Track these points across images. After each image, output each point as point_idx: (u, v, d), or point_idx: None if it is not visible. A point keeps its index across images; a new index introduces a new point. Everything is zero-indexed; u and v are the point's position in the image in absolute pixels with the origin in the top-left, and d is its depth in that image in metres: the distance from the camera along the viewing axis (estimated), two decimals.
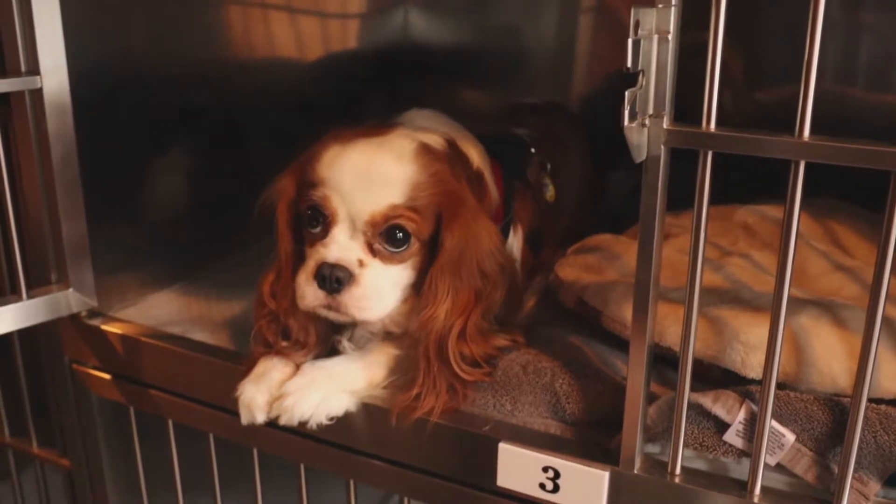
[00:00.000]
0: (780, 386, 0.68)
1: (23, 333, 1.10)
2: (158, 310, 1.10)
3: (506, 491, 0.76)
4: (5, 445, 1.19)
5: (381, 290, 0.80)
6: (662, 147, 0.61)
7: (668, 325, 0.73)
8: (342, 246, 0.79)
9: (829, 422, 0.64)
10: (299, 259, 0.83)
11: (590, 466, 0.71)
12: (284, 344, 0.85)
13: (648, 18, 0.56)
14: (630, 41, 0.54)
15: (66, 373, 1.06)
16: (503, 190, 0.92)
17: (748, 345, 0.69)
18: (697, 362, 0.71)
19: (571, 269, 0.86)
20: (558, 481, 0.73)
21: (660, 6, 0.57)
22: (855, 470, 0.64)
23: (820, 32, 0.55)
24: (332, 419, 0.81)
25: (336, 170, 0.79)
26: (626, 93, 0.55)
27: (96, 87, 0.98)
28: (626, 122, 0.56)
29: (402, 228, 0.79)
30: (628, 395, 0.68)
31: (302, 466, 0.93)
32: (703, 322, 0.71)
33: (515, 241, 0.93)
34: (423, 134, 0.84)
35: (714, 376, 0.72)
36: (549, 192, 0.99)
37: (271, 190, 0.85)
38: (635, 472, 0.70)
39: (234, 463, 1.00)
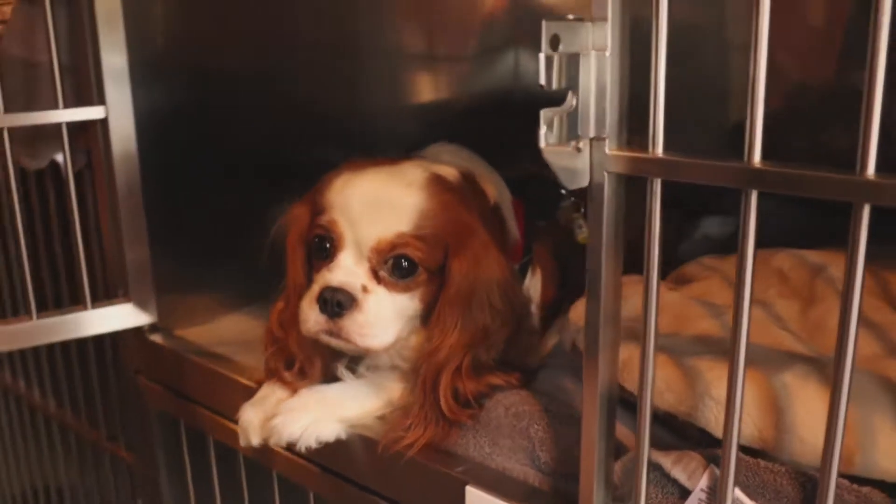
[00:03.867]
0: (756, 453, 0.59)
1: (100, 342, 1.21)
2: (225, 331, 1.15)
3: None
4: (83, 437, 1.31)
5: (384, 318, 0.78)
6: (606, 174, 0.56)
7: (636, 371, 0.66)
8: (347, 271, 0.78)
9: (799, 499, 0.55)
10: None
11: None
12: (287, 374, 0.85)
13: (578, 34, 0.52)
14: (542, 56, 0.50)
15: (129, 380, 1.13)
16: (524, 229, 0.89)
17: (720, 401, 0.60)
18: (672, 418, 0.64)
19: (579, 310, 0.81)
20: None
21: (594, 21, 0.53)
22: None
23: (766, 48, 0.48)
24: (321, 443, 0.80)
25: (345, 195, 0.79)
26: (542, 112, 0.51)
27: (161, 118, 1.05)
28: (542, 144, 0.52)
29: (408, 258, 0.78)
30: (583, 446, 0.62)
31: (311, 494, 0.92)
32: (677, 373, 0.64)
33: (534, 283, 0.89)
34: (437, 166, 0.83)
35: (693, 435, 0.64)
36: (583, 233, 0.94)
37: (284, 219, 0.86)
38: None
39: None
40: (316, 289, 0.79)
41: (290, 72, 1.21)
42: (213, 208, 1.16)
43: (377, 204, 0.78)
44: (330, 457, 0.84)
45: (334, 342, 0.80)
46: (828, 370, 0.60)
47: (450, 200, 0.79)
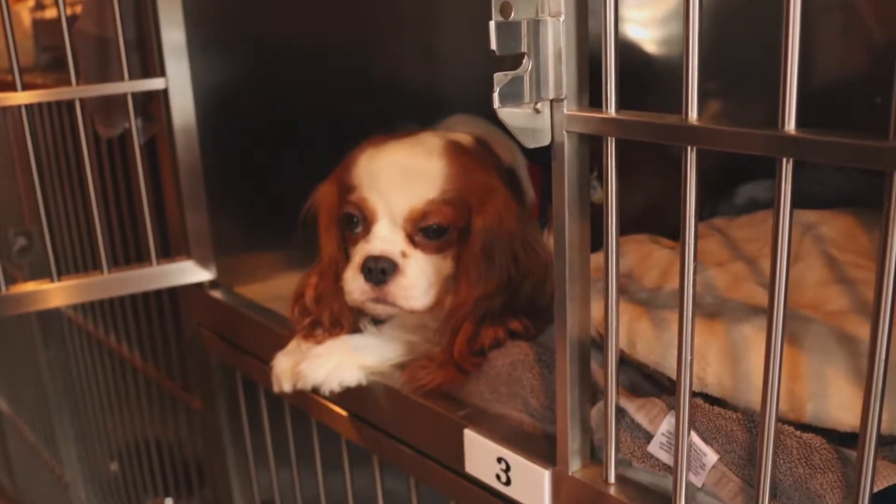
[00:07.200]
0: (714, 401, 0.61)
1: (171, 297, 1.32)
2: (281, 287, 1.22)
3: (473, 478, 0.77)
4: (162, 388, 1.44)
5: (424, 279, 0.83)
6: (566, 133, 0.59)
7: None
8: (385, 240, 0.83)
9: (749, 445, 0.57)
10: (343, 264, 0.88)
11: (533, 462, 0.70)
12: (319, 333, 0.91)
13: (530, 2, 0.56)
14: (492, 24, 0.54)
15: (194, 332, 1.24)
16: (540, 191, 0.92)
17: None
18: (644, 367, 0.67)
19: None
20: (510, 474, 0.72)
21: None
22: None
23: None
24: (343, 387, 0.86)
25: (372, 171, 0.85)
26: (495, 76, 0.55)
27: (219, 88, 1.13)
28: (496, 105, 0.56)
29: (439, 221, 0.83)
30: (557, 392, 0.65)
31: (343, 438, 0.99)
32: (649, 324, 0.66)
33: (549, 242, 0.92)
34: (451, 133, 0.88)
35: (665, 384, 0.67)
36: (598, 194, 0.96)
37: (313, 198, 0.91)
38: (571, 473, 0.67)
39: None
40: (358, 260, 0.84)
41: (341, 42, 1.27)
42: (270, 174, 1.24)
43: (403, 175, 0.83)
44: (355, 402, 0.91)
45: (380, 308, 0.85)
46: (789, 323, 0.62)
47: (468, 163, 0.84)
